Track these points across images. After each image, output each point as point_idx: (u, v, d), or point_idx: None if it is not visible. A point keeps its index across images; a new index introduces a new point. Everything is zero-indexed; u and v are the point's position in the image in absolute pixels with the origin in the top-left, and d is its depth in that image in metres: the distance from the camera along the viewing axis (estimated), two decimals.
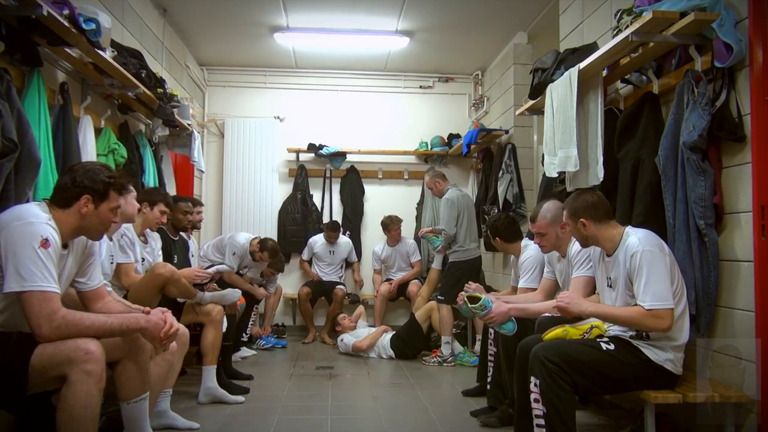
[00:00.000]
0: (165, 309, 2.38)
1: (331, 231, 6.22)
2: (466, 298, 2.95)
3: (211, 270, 3.75)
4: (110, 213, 2.26)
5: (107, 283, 2.97)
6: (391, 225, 6.19)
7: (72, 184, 2.19)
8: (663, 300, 2.35)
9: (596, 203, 2.62)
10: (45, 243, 2.03)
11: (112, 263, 3.17)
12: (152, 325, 2.24)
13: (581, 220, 2.59)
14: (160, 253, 3.75)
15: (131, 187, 3.16)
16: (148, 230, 3.62)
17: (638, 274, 2.40)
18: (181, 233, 4.32)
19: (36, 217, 2.07)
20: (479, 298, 2.89)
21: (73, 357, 1.97)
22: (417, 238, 6.30)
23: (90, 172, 2.22)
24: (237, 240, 5.39)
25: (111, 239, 3.16)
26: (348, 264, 6.50)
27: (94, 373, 1.97)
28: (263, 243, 5.36)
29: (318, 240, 6.35)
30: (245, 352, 5.23)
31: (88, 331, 2.05)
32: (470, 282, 3.60)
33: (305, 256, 6.42)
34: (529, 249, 3.52)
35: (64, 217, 2.17)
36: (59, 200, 2.19)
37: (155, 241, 3.73)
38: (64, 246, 2.20)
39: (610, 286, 2.61)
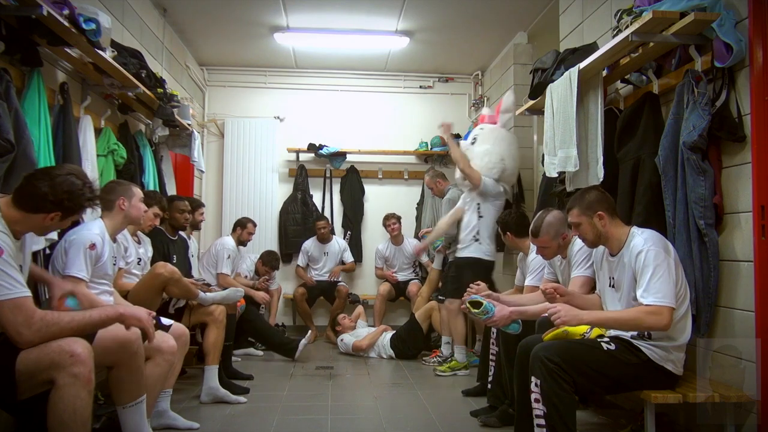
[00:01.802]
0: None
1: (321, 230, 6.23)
2: (468, 304, 2.94)
3: (199, 282, 3.80)
4: (69, 222, 2.19)
5: (108, 284, 2.97)
6: (384, 220, 6.20)
7: (49, 199, 2.06)
8: (663, 298, 2.34)
9: (607, 197, 2.63)
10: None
11: (115, 264, 3.17)
12: (129, 313, 2.16)
13: (599, 212, 2.56)
14: (151, 255, 3.78)
15: (137, 190, 3.16)
16: (139, 232, 3.66)
17: (642, 273, 2.40)
18: (181, 233, 4.32)
19: None
20: (481, 304, 2.88)
21: (58, 360, 1.93)
22: (418, 238, 6.29)
23: (71, 193, 2.08)
24: (225, 243, 5.40)
25: (115, 240, 3.15)
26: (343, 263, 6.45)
27: (81, 376, 1.93)
28: (243, 224, 5.53)
29: (310, 243, 6.33)
30: (252, 351, 5.26)
31: (70, 327, 2.00)
32: (479, 282, 3.60)
33: (301, 261, 6.38)
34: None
35: (22, 219, 2.07)
36: (27, 205, 2.07)
37: (147, 243, 3.76)
38: (17, 239, 2.11)
39: (613, 287, 2.60)
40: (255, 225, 5.68)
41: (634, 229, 2.57)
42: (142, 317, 2.19)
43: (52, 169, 2.22)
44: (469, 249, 4.51)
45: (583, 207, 2.60)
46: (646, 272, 2.39)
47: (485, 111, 4.86)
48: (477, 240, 4.48)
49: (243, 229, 5.54)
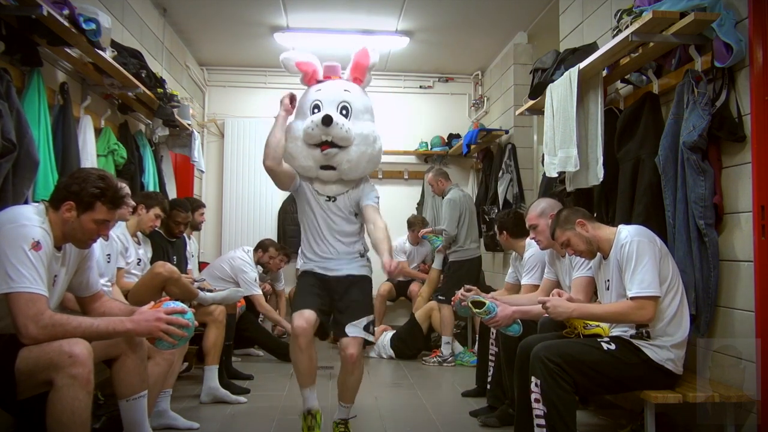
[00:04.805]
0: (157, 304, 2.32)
1: None
2: (470, 303, 2.95)
3: (196, 285, 3.74)
4: (94, 225, 2.16)
5: (105, 283, 2.97)
6: (415, 225, 6.10)
7: (62, 187, 2.17)
8: (647, 287, 2.38)
9: (578, 208, 2.71)
10: (36, 245, 2.00)
11: (108, 262, 3.17)
12: (140, 327, 2.17)
13: (578, 221, 2.60)
14: (151, 255, 3.79)
15: (126, 189, 3.17)
16: (139, 233, 3.67)
17: (627, 265, 2.44)
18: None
19: (29, 219, 2.05)
20: (483, 303, 2.88)
21: (57, 361, 1.93)
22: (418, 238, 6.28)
23: (82, 180, 2.15)
24: (246, 263, 5.00)
25: (107, 238, 3.15)
26: None
27: (80, 377, 1.93)
28: (266, 248, 5.33)
29: None
30: (252, 351, 5.27)
31: (75, 332, 2.02)
32: (470, 286, 3.57)
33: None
34: (533, 247, 3.51)
35: (55, 219, 2.14)
36: (51, 200, 2.18)
37: (147, 243, 3.78)
38: (58, 249, 2.17)
39: (608, 289, 2.61)
40: (278, 250, 5.48)
41: (621, 227, 2.60)
42: (152, 329, 2.18)
43: (80, 169, 2.32)
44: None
45: (562, 224, 2.65)
46: (630, 264, 2.43)
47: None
48: (362, 255, 2.99)
49: (265, 252, 5.30)
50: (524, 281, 3.52)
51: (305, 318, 2.69)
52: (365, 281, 2.92)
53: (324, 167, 2.82)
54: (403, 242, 6.30)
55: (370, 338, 2.84)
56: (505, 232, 3.83)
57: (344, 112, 2.80)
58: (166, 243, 4.07)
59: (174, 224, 4.09)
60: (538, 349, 2.46)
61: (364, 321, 2.79)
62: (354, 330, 2.76)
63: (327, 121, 2.70)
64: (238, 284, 4.81)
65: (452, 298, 3.34)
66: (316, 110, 2.81)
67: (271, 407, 3.60)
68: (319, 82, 2.96)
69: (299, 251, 3.10)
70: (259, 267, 5.39)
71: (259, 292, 5.01)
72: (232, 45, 6.06)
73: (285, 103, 2.84)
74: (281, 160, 2.79)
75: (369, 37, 5.69)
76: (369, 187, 2.90)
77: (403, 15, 5.22)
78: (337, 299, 2.85)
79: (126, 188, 3.19)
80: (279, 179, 2.83)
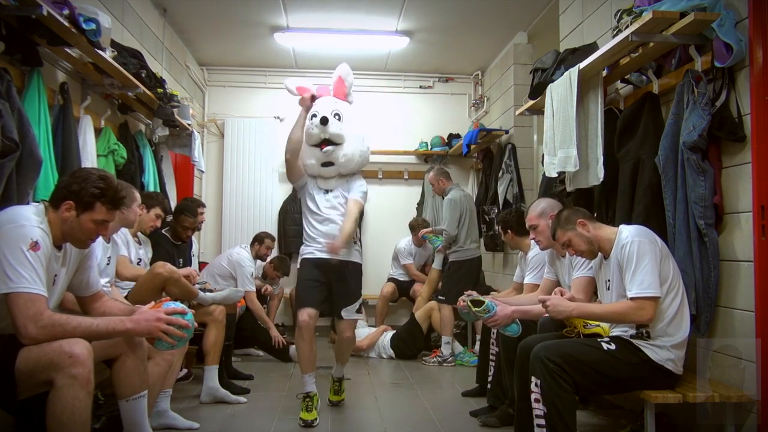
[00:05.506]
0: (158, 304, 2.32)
1: None
2: (469, 302, 2.95)
3: (197, 286, 3.71)
4: (93, 225, 2.16)
5: (105, 284, 2.98)
6: (416, 228, 6.09)
7: (62, 186, 2.17)
8: (647, 288, 2.38)
9: (578, 209, 2.71)
10: (35, 246, 2.00)
11: (108, 264, 3.17)
12: (140, 327, 2.17)
13: (579, 221, 2.60)
14: (151, 256, 3.80)
15: (136, 194, 3.18)
16: (140, 234, 3.68)
17: (627, 265, 2.44)
18: None
19: (27, 219, 2.05)
20: (483, 302, 2.88)
21: (57, 361, 1.93)
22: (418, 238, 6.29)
23: (82, 180, 2.15)
24: (243, 258, 5.00)
25: (108, 240, 3.16)
26: None
27: (80, 377, 1.93)
28: (261, 240, 5.38)
29: None
30: (252, 351, 5.30)
31: (75, 332, 2.02)
32: (470, 291, 3.58)
33: None
34: (537, 247, 3.52)
35: (55, 219, 2.14)
36: (51, 200, 2.18)
37: (147, 244, 3.79)
38: (59, 248, 2.17)
39: (609, 289, 2.61)
40: (273, 240, 5.57)
41: (622, 227, 2.60)
42: (152, 329, 2.18)
43: (80, 168, 2.31)
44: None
45: (563, 224, 2.65)
46: (630, 264, 2.43)
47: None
48: (355, 243, 3.55)
49: (261, 244, 5.39)
50: (527, 280, 3.51)
51: (308, 313, 3.30)
52: (357, 268, 3.55)
53: (324, 164, 3.44)
54: (408, 243, 6.31)
55: (360, 317, 3.55)
56: (510, 231, 3.82)
57: (337, 117, 3.43)
58: (172, 247, 4.08)
59: (182, 229, 4.11)
60: (538, 349, 2.46)
61: (356, 305, 3.48)
62: (348, 314, 3.46)
63: (324, 121, 3.37)
64: (236, 282, 4.84)
65: (458, 304, 3.34)
66: (314, 118, 3.45)
67: (271, 407, 3.60)
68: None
69: (302, 246, 3.56)
70: (258, 261, 5.43)
71: (253, 288, 5.04)
72: (232, 45, 6.06)
73: (306, 99, 3.50)
74: (299, 155, 3.43)
75: (369, 36, 5.71)
76: (358, 183, 3.58)
77: (403, 15, 5.22)
78: (335, 284, 3.42)
79: (138, 198, 3.21)
80: (292, 172, 3.47)
